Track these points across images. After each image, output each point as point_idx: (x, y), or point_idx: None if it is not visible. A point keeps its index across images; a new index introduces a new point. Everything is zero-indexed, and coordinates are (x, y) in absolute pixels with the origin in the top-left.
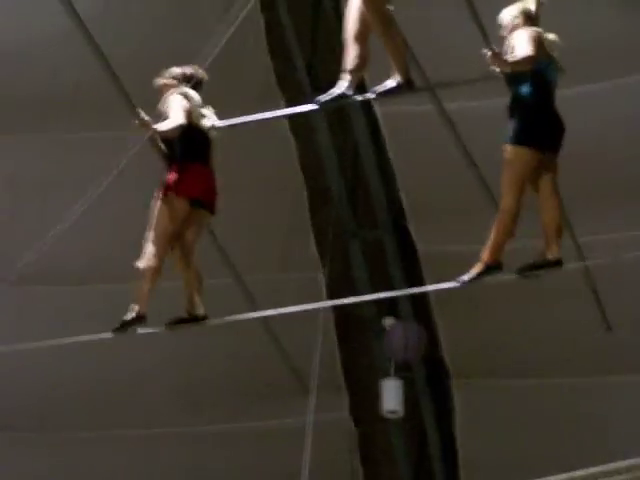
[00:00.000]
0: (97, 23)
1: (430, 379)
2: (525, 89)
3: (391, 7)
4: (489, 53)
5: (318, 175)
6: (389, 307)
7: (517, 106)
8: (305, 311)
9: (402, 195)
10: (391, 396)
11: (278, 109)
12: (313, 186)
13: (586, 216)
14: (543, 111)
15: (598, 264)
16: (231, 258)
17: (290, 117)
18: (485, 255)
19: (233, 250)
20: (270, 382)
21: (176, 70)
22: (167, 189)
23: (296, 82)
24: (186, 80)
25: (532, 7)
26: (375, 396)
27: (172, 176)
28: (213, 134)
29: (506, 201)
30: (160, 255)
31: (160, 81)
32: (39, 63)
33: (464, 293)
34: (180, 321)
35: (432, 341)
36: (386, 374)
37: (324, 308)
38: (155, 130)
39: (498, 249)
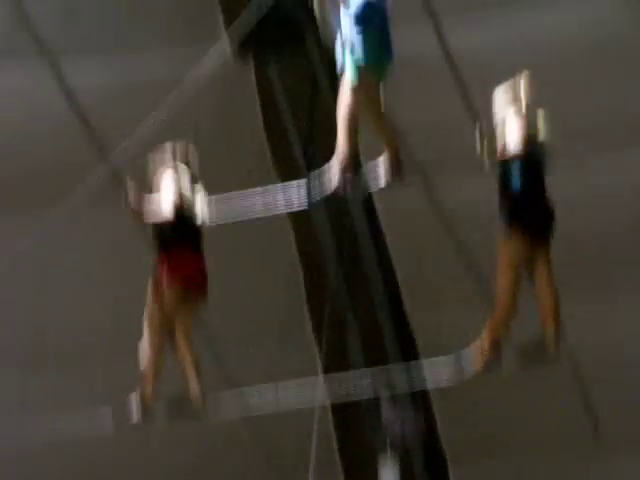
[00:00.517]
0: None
1: (427, 463)
2: (514, 175)
3: (382, 98)
4: (479, 143)
5: (315, 263)
6: (386, 390)
7: (506, 191)
8: (302, 392)
9: (399, 281)
10: None
11: (273, 185)
12: (310, 273)
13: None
14: (532, 197)
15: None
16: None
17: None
18: (484, 345)
19: (230, 336)
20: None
21: (166, 154)
22: (158, 277)
23: (292, 159)
24: (177, 159)
25: (523, 94)
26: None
27: (162, 264)
28: (204, 221)
29: (500, 282)
30: (161, 345)
31: (151, 159)
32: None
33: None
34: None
35: (429, 425)
36: (383, 458)
37: (321, 390)
38: (142, 212)
39: (497, 336)
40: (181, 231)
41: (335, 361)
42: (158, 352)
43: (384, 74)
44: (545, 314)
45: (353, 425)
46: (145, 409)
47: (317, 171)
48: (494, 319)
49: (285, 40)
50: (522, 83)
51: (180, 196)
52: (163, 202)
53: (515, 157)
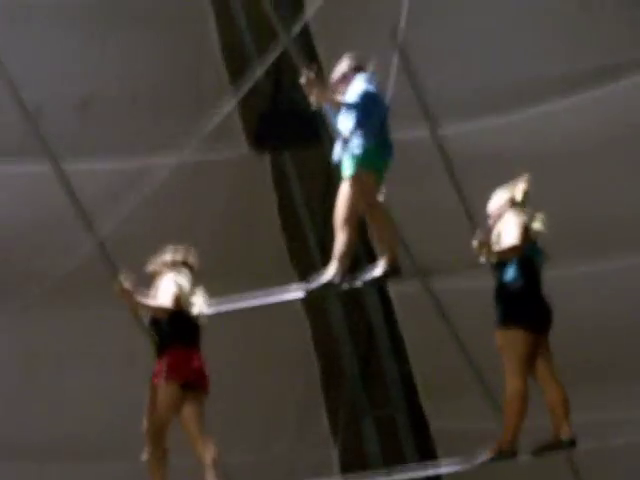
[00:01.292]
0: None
1: None
2: (511, 274)
3: (382, 195)
4: (476, 243)
5: (331, 352)
6: None
7: (503, 291)
8: None
9: (415, 372)
10: None
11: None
12: (326, 363)
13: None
14: (530, 295)
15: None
16: (245, 434)
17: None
18: (501, 440)
19: (245, 428)
20: None
21: (167, 257)
22: (156, 376)
23: (308, 257)
24: (177, 265)
25: (519, 196)
26: None
27: (160, 363)
28: (202, 320)
29: (512, 385)
30: (162, 441)
31: (151, 267)
32: None
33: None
34: None
35: None
36: None
37: None
38: (136, 301)
39: (513, 434)
40: (180, 329)
41: (351, 457)
42: (158, 461)
43: (382, 171)
44: (555, 404)
45: None
46: None
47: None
48: (512, 421)
49: (300, 133)
50: (522, 187)
51: (179, 295)
52: (161, 298)
53: (513, 257)
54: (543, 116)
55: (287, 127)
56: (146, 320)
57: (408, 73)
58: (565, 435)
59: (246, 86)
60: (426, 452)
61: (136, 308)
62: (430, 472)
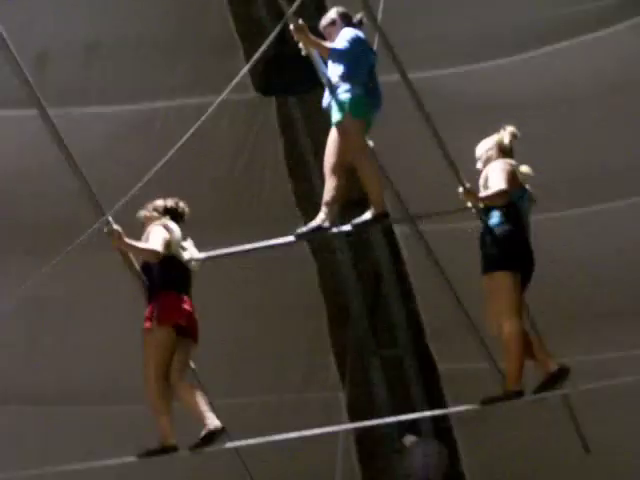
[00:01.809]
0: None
1: None
2: (496, 219)
3: (370, 142)
4: (461, 190)
5: (338, 295)
6: (409, 425)
7: (490, 236)
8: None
9: (422, 314)
10: None
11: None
12: (333, 307)
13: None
14: (515, 239)
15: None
16: (253, 379)
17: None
18: (507, 382)
19: (254, 371)
20: None
21: (158, 203)
22: (148, 321)
23: (316, 201)
24: (168, 213)
25: (506, 140)
26: None
27: (152, 307)
28: (193, 265)
29: (511, 326)
30: (160, 388)
31: (143, 213)
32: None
33: (485, 412)
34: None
35: (452, 458)
36: None
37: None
38: (126, 244)
39: (519, 374)
40: (170, 274)
41: (359, 401)
42: (163, 393)
43: (371, 118)
44: (539, 347)
45: (377, 460)
46: (166, 446)
47: None
48: (517, 361)
49: (306, 78)
50: (509, 131)
51: (169, 241)
52: (151, 243)
53: (500, 202)
54: (541, 60)
55: (293, 72)
56: (138, 265)
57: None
58: (554, 367)
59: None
60: (433, 394)
61: (126, 251)
62: (438, 413)
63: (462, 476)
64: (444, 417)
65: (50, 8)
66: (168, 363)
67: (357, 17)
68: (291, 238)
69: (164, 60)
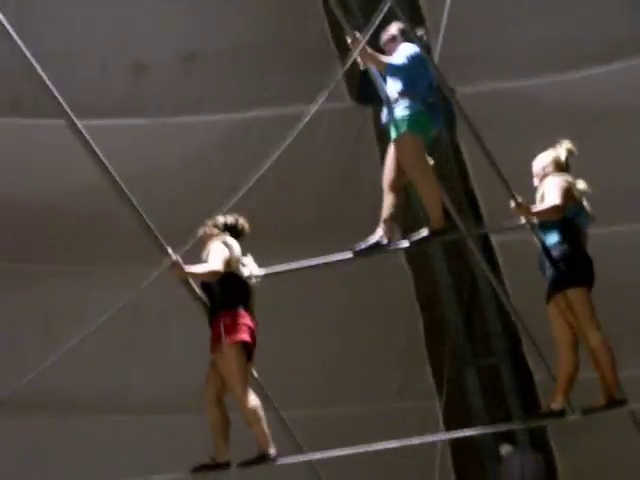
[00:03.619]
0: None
1: None
2: (554, 238)
3: (430, 159)
4: (513, 204)
5: (434, 303)
6: (506, 434)
7: (549, 256)
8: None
9: (518, 323)
10: None
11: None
12: (429, 314)
13: None
14: (575, 255)
15: None
16: (348, 389)
17: None
18: (607, 392)
19: (350, 381)
20: None
21: (218, 219)
22: (216, 341)
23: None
24: (228, 229)
25: (563, 156)
26: None
27: (217, 327)
28: (253, 282)
29: (598, 338)
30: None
31: (202, 230)
32: None
33: (582, 422)
34: (203, 467)
35: (549, 469)
36: None
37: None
38: (187, 272)
39: (616, 382)
40: (232, 292)
41: (455, 411)
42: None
43: (430, 134)
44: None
45: (474, 470)
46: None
47: None
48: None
49: None
50: (566, 146)
51: (229, 258)
52: (211, 262)
53: (554, 217)
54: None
55: None
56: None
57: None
58: (556, 405)
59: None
60: (530, 403)
61: (187, 280)
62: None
63: None
64: (541, 427)
65: (148, 19)
66: (245, 382)
67: (419, 33)
68: (349, 254)
69: (260, 70)
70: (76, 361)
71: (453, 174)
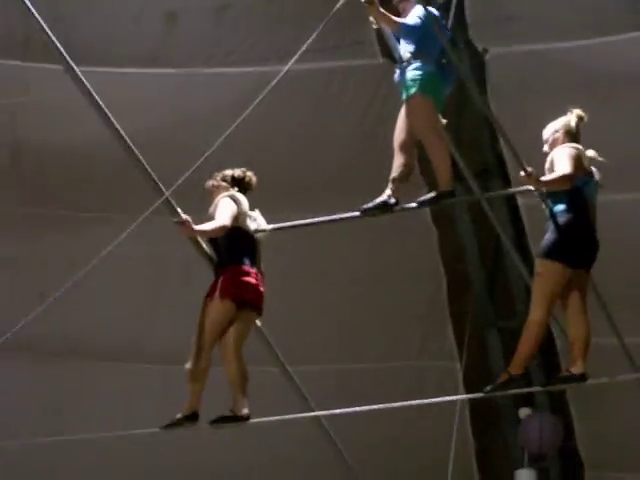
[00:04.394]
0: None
1: (564, 470)
2: (561, 206)
3: (443, 120)
4: (523, 173)
5: (458, 264)
6: (525, 397)
7: (553, 221)
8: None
9: None
10: None
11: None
12: (452, 274)
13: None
14: (578, 228)
15: None
16: (368, 346)
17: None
18: (511, 366)
19: (369, 338)
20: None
21: (226, 172)
22: (212, 292)
23: None
24: (235, 183)
25: (573, 123)
26: None
27: (217, 279)
28: (260, 237)
29: (536, 313)
30: (206, 357)
31: (210, 183)
32: None
33: (599, 387)
34: (223, 419)
35: (567, 432)
36: (520, 464)
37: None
38: (196, 231)
39: (525, 360)
40: (237, 246)
41: (476, 373)
42: (198, 375)
43: (442, 96)
44: (577, 339)
45: (492, 432)
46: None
47: None
48: (525, 348)
49: None
50: (577, 114)
51: (237, 213)
52: (218, 218)
53: (564, 187)
54: None
55: None
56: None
57: None
58: (577, 370)
59: None
60: (550, 367)
61: (196, 238)
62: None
63: (576, 450)
64: (560, 390)
65: None
66: (218, 337)
67: None
68: (356, 213)
69: (292, 24)
70: (99, 309)
71: (484, 135)
